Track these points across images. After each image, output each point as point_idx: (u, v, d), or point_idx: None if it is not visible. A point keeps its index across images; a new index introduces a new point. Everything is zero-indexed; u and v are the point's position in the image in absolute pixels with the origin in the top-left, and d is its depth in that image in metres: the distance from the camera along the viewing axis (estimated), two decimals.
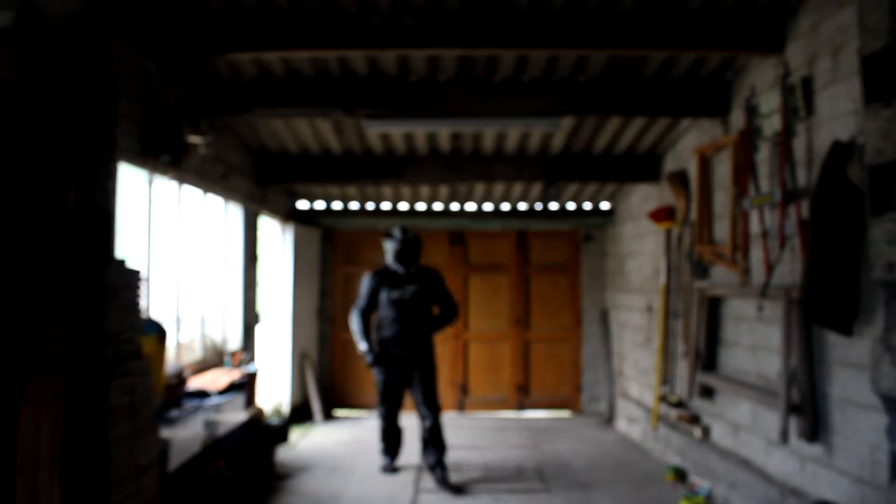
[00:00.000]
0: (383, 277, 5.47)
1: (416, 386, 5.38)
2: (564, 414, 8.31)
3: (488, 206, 8.21)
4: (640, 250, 7.08)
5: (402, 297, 5.38)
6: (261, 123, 5.96)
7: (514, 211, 8.24)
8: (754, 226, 4.48)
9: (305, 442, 6.73)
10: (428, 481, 5.33)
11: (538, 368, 8.43)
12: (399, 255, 5.42)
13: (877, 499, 3.26)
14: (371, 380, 8.14)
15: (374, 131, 5.55)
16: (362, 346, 5.36)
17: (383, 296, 5.42)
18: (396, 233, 5.47)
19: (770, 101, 4.25)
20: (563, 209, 8.26)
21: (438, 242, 8.28)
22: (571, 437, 7.05)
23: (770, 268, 4.14)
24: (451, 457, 5.71)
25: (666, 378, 6.08)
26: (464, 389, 8.33)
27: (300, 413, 7.63)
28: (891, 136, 2.53)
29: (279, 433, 5.92)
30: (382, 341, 5.42)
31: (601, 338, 8.25)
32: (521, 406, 8.37)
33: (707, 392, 5.18)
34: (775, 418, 4.11)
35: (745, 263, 4.62)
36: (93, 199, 3.25)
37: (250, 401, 5.53)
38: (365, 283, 5.53)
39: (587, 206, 8.19)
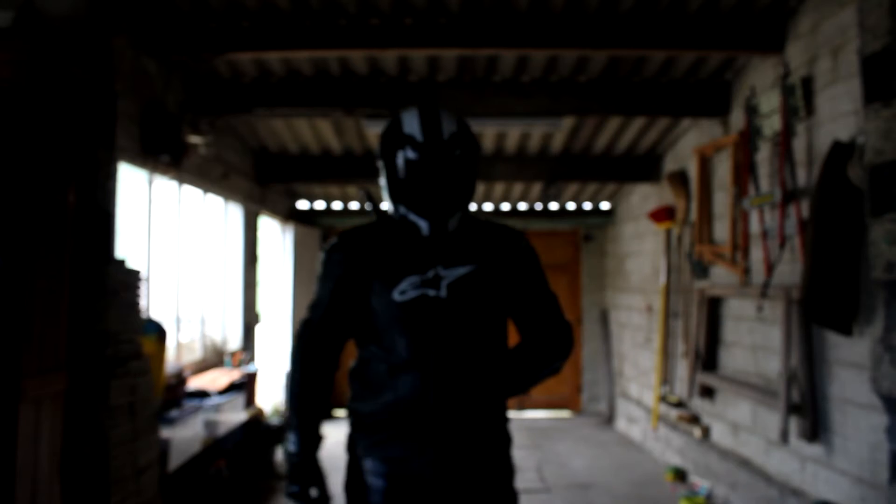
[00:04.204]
0: (371, 250, 1.95)
1: None
2: (564, 414, 8.31)
3: (488, 206, 8.20)
4: (640, 250, 7.07)
5: (427, 296, 1.88)
6: (261, 123, 5.96)
7: (514, 211, 8.22)
8: (754, 226, 4.48)
9: None
10: None
11: None
12: (416, 184, 1.94)
13: (877, 499, 3.26)
14: None
15: (375, 131, 5.55)
16: (291, 443, 1.97)
17: (376, 298, 1.89)
18: (410, 121, 1.90)
19: (770, 101, 4.25)
20: (563, 209, 8.26)
21: None
22: (571, 437, 7.05)
23: (770, 268, 4.14)
24: None
25: (666, 378, 6.08)
26: None
27: None
28: (891, 136, 2.53)
29: (279, 433, 5.92)
30: (374, 423, 1.98)
31: (601, 338, 8.25)
32: (521, 406, 8.36)
33: (707, 392, 5.18)
34: (775, 418, 4.11)
35: (745, 263, 4.62)
36: (93, 199, 3.25)
37: (250, 401, 5.53)
38: (324, 268, 1.97)
39: (587, 206, 8.19)
